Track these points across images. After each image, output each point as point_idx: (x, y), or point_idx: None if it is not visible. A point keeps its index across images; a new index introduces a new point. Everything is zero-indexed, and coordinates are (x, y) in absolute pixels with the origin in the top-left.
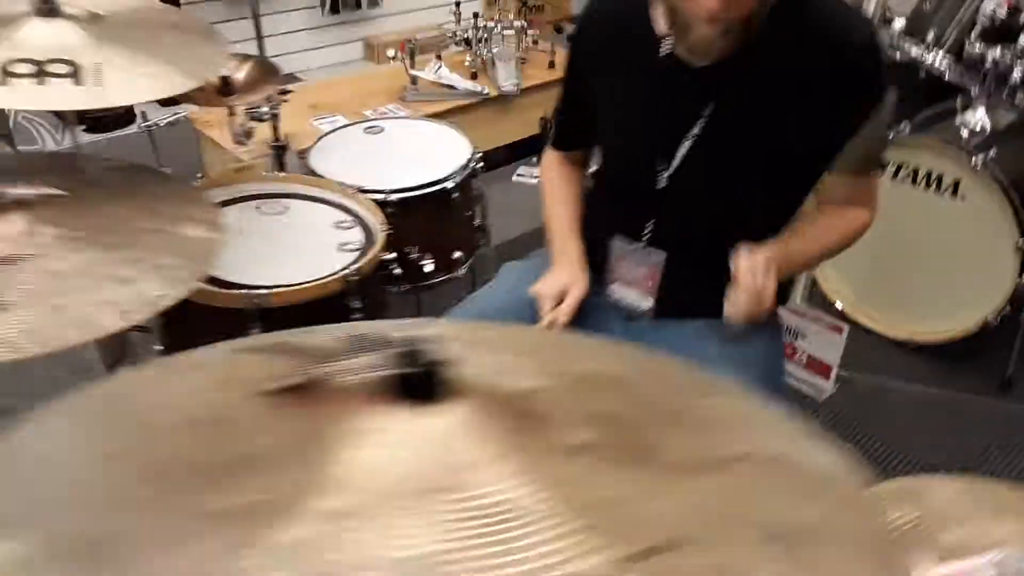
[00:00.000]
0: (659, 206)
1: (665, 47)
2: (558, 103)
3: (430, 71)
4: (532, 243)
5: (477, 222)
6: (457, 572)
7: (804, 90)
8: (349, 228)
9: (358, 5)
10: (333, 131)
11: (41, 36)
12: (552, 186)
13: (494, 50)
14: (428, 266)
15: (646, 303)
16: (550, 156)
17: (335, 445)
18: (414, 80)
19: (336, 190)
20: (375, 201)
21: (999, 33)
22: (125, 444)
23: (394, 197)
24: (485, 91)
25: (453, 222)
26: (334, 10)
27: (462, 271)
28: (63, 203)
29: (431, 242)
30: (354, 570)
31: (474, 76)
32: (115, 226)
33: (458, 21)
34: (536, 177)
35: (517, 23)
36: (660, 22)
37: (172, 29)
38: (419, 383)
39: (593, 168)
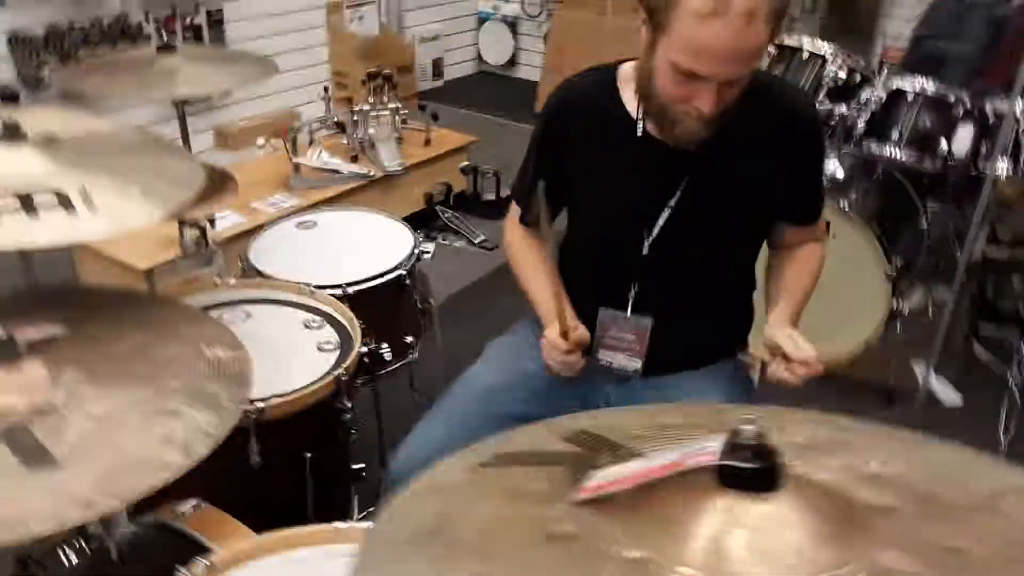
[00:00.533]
0: (643, 272)
1: (640, 129)
2: (522, 181)
3: (312, 157)
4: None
5: (421, 305)
6: None
7: (764, 157)
8: (319, 328)
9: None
10: (267, 230)
11: (7, 164)
12: (527, 258)
13: (370, 131)
14: (387, 354)
15: (634, 364)
16: (515, 232)
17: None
18: (297, 167)
19: (294, 290)
20: (334, 296)
21: (841, 92)
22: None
23: (351, 290)
24: (371, 172)
25: (405, 308)
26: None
27: (414, 355)
28: (70, 341)
29: (387, 330)
30: None
31: (354, 159)
32: (134, 357)
33: (328, 108)
34: (428, 252)
35: (392, 104)
36: (631, 105)
37: (132, 148)
38: (759, 475)
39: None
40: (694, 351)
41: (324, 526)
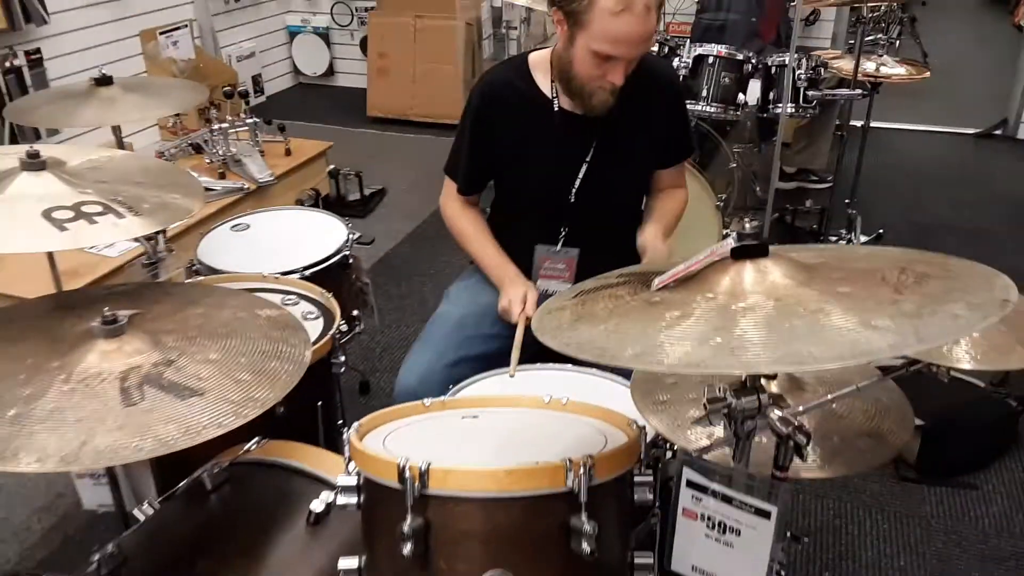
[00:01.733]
0: (569, 216)
1: (556, 105)
2: (455, 158)
3: None
4: None
5: (359, 283)
6: None
7: (647, 114)
8: (296, 304)
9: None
10: (205, 238)
11: (39, 187)
12: (469, 227)
13: (232, 149)
14: (343, 327)
15: (566, 287)
16: (454, 206)
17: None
18: None
19: (257, 279)
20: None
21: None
22: None
23: (308, 273)
24: (245, 186)
25: (348, 285)
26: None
27: (360, 327)
28: (149, 318)
29: (340, 305)
30: None
31: (222, 175)
32: (207, 323)
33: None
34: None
35: (249, 120)
36: (545, 86)
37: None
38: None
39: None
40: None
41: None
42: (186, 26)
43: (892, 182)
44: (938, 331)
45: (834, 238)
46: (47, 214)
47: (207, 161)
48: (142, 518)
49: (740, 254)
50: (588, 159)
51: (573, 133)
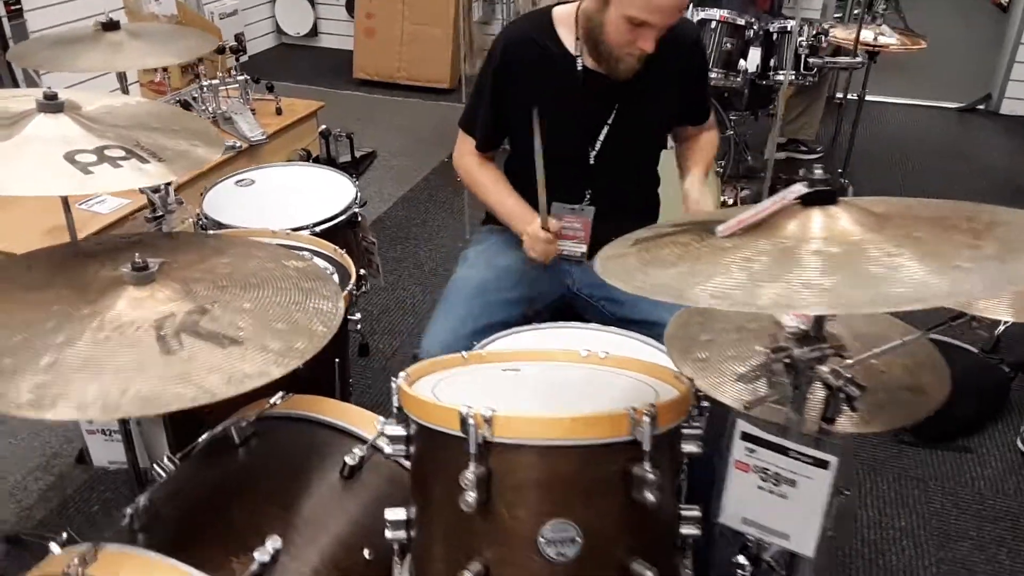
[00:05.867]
0: (589, 177)
1: (579, 63)
2: (473, 114)
3: None
4: None
5: (364, 243)
6: None
7: (671, 75)
8: (310, 260)
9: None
10: (209, 192)
11: (58, 129)
12: (488, 179)
13: (223, 107)
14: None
15: (581, 249)
16: (470, 160)
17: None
18: None
19: (268, 234)
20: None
21: None
22: None
23: (318, 229)
24: (237, 144)
25: (358, 243)
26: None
27: (367, 287)
28: (177, 267)
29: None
30: None
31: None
32: (236, 273)
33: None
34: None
35: (240, 77)
36: (569, 43)
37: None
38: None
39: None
40: (630, 231)
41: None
42: None
43: (881, 154)
44: None
45: None
46: (70, 157)
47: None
48: (162, 474)
49: (810, 200)
50: (610, 121)
51: (596, 93)
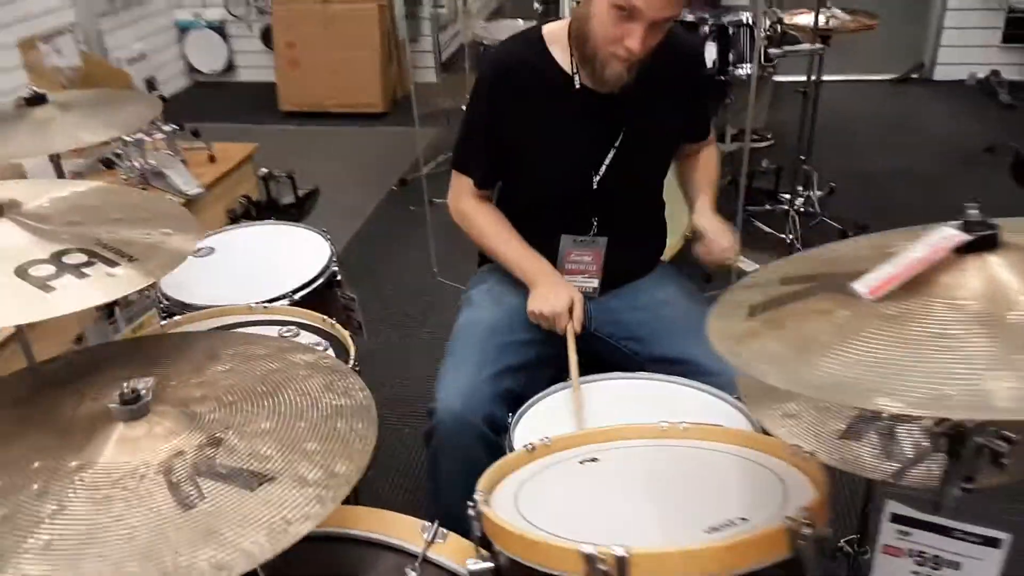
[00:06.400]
0: (593, 204)
1: (577, 82)
2: (468, 151)
3: None
4: None
5: (343, 301)
6: None
7: (676, 94)
8: (297, 336)
9: None
10: None
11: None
12: (490, 224)
13: (151, 161)
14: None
15: (592, 284)
16: (467, 204)
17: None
18: None
19: (244, 311)
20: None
21: None
22: None
23: (297, 296)
24: (173, 201)
25: (336, 302)
26: None
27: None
28: (169, 385)
29: None
30: None
31: (144, 190)
32: (237, 381)
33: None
34: None
35: (167, 128)
36: (563, 62)
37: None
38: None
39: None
40: (642, 259)
41: None
42: (69, 31)
43: (830, 134)
44: None
45: (787, 195)
46: (22, 272)
47: (123, 178)
48: None
49: (969, 247)
50: (617, 144)
51: (597, 114)
